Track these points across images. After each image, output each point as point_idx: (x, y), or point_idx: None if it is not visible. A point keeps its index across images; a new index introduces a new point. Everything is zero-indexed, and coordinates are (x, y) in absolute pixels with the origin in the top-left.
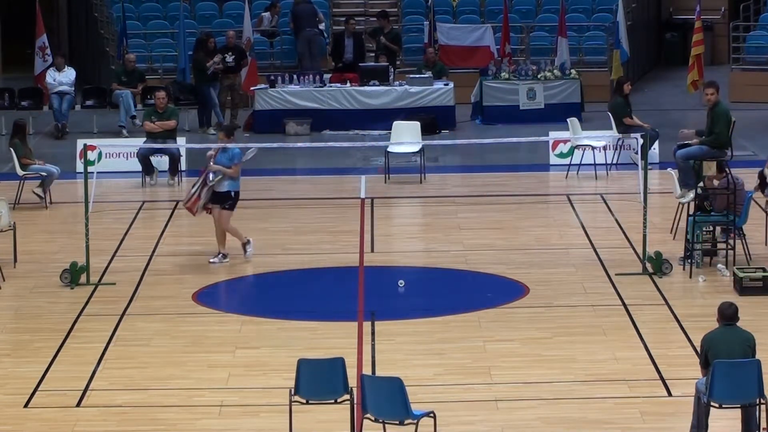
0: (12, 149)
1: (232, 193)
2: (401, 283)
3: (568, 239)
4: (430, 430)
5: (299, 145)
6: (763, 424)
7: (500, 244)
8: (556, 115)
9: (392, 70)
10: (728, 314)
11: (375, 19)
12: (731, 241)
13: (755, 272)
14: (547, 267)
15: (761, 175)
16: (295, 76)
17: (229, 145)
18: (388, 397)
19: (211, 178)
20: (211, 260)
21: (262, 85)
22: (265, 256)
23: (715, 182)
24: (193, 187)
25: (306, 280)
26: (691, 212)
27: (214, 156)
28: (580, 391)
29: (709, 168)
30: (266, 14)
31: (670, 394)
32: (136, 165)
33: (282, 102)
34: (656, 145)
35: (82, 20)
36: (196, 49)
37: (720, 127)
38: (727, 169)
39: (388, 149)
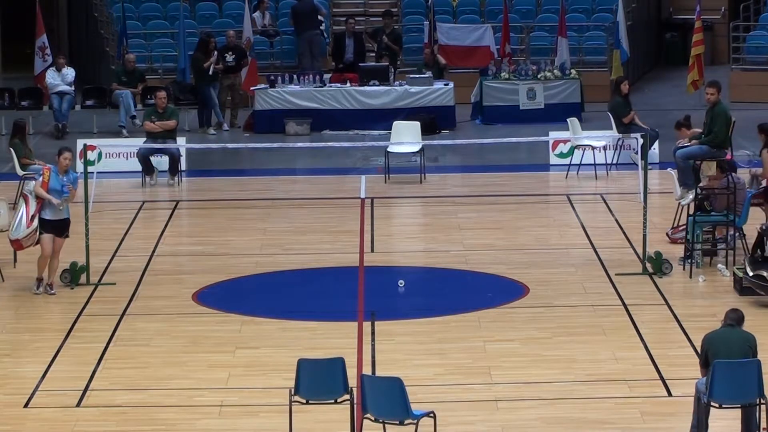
0: (12, 149)
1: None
2: (401, 283)
3: (568, 239)
4: (430, 430)
5: (299, 145)
6: (763, 424)
7: (500, 244)
8: (556, 115)
9: (392, 70)
10: (733, 318)
11: (377, 19)
12: (732, 241)
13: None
14: (547, 267)
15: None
16: (295, 76)
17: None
18: (388, 397)
19: (56, 203)
20: (38, 291)
21: (262, 85)
22: (265, 256)
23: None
24: (25, 218)
25: (306, 280)
26: (691, 212)
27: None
28: (580, 391)
29: (709, 168)
30: (256, 14)
31: (670, 394)
32: (136, 165)
33: (282, 102)
34: (656, 145)
35: (82, 20)
36: (196, 49)
37: (718, 126)
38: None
39: (388, 149)
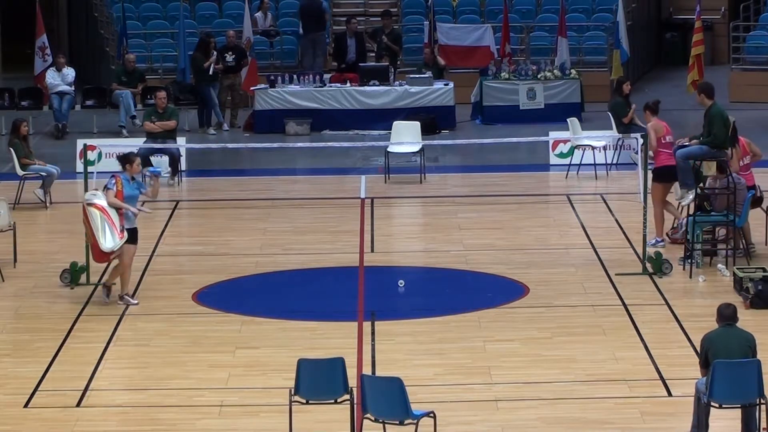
0: (12, 149)
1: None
2: (401, 283)
3: (568, 239)
4: (430, 430)
5: (299, 145)
6: (763, 424)
7: (500, 244)
8: (556, 115)
9: (392, 70)
10: (727, 314)
11: (377, 19)
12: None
13: (755, 272)
14: (547, 267)
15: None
16: (295, 76)
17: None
18: (388, 397)
19: (134, 212)
20: (108, 300)
21: (262, 85)
22: (265, 256)
23: (719, 181)
24: (117, 231)
25: (306, 280)
26: (691, 212)
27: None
28: (580, 391)
29: (709, 168)
30: (258, 14)
31: (670, 394)
32: None
33: (282, 102)
34: None
35: (82, 20)
36: (196, 49)
37: (717, 128)
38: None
39: (388, 149)
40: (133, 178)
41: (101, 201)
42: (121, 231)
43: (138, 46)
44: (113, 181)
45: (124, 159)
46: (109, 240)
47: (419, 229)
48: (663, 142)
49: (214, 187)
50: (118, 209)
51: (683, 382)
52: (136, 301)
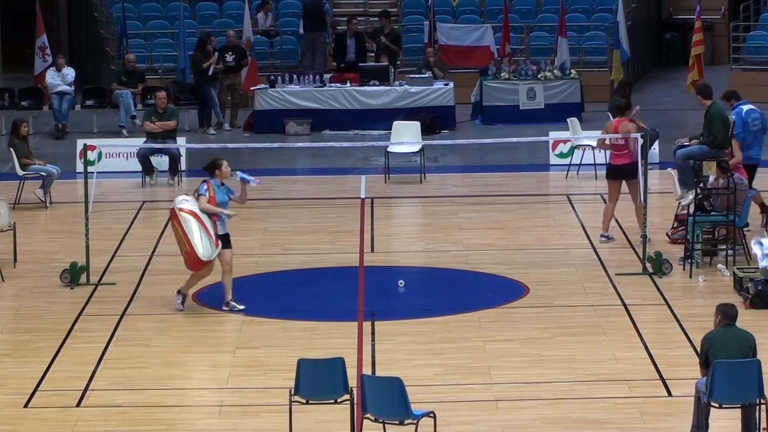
0: (12, 149)
1: None
2: (401, 283)
3: (568, 239)
4: (430, 430)
5: (299, 145)
6: (763, 424)
7: (500, 244)
8: (556, 115)
9: (392, 70)
10: (732, 314)
11: (376, 19)
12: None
13: (755, 272)
14: (547, 267)
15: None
16: (295, 76)
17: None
18: (388, 397)
19: (228, 216)
20: (182, 308)
21: (262, 85)
22: (265, 256)
23: (721, 181)
24: (213, 238)
25: (306, 280)
26: (691, 212)
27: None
28: (580, 391)
29: (709, 168)
30: (260, 14)
31: (670, 394)
32: (136, 165)
33: (282, 102)
34: (656, 145)
35: (82, 20)
36: (196, 50)
37: (716, 128)
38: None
39: (388, 149)
40: (222, 184)
41: (192, 206)
42: (216, 238)
43: (138, 46)
44: (205, 187)
45: (213, 165)
46: (207, 249)
47: (419, 229)
48: (613, 143)
49: None
50: (211, 215)
51: (683, 382)
52: (242, 306)
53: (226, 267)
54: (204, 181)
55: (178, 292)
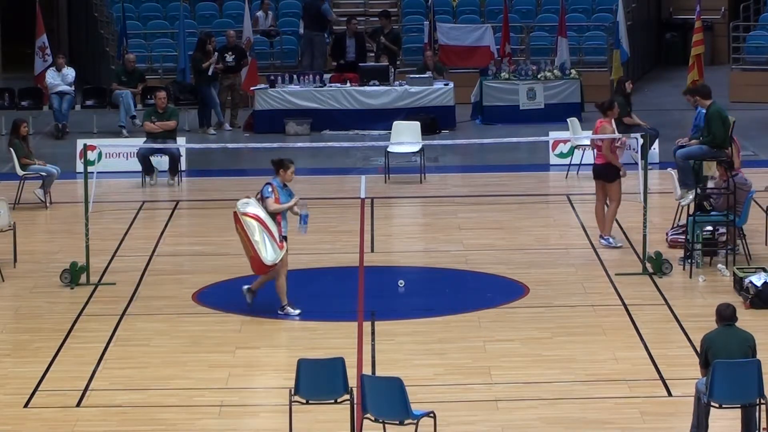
0: (12, 149)
1: None
2: (401, 283)
3: (568, 239)
4: (430, 430)
5: (299, 145)
6: (763, 424)
7: (500, 244)
8: (556, 115)
9: (392, 70)
10: (727, 315)
11: (376, 19)
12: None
13: (755, 272)
14: (547, 267)
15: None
16: (295, 76)
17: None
18: (388, 397)
19: (298, 209)
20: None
21: (262, 85)
22: None
23: (722, 181)
24: (276, 242)
25: (306, 280)
26: (691, 212)
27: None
28: (580, 391)
29: (709, 168)
30: (260, 14)
31: (670, 394)
32: (136, 165)
33: (282, 102)
34: (656, 145)
35: (82, 20)
36: (196, 50)
37: (715, 127)
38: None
39: (388, 149)
40: (284, 185)
41: (256, 210)
42: (281, 241)
43: (138, 46)
44: (270, 189)
45: (280, 164)
46: (271, 252)
47: (419, 229)
48: (595, 143)
49: (214, 187)
50: (275, 216)
51: (683, 382)
52: (298, 311)
53: (282, 269)
54: (267, 184)
55: (249, 290)
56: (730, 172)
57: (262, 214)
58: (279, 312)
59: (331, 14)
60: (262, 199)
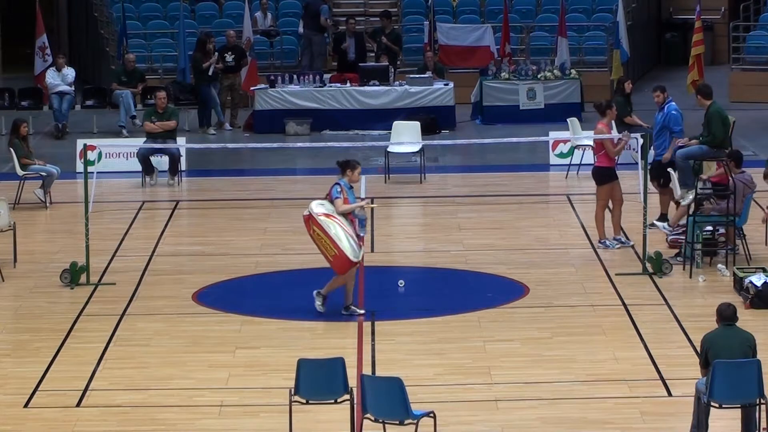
0: (12, 149)
1: None
2: (401, 283)
3: (568, 239)
4: (430, 430)
5: (299, 145)
6: (763, 424)
7: (500, 244)
8: (556, 115)
9: (392, 70)
10: (727, 314)
11: (376, 19)
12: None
13: (755, 272)
14: (547, 267)
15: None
16: (295, 76)
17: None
18: (388, 397)
19: (366, 208)
20: (347, 313)
21: (262, 85)
22: (265, 256)
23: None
24: (355, 240)
25: (306, 280)
26: (691, 212)
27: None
28: (580, 391)
29: (709, 168)
30: (258, 14)
31: (670, 394)
32: (136, 165)
33: (282, 102)
34: None
35: (82, 20)
36: (195, 50)
37: (715, 127)
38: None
39: (388, 149)
40: (351, 186)
41: (328, 210)
42: (359, 238)
43: (138, 46)
44: (338, 189)
45: (346, 164)
46: (354, 249)
47: (419, 229)
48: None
49: (214, 187)
50: (347, 216)
51: (683, 382)
52: (362, 311)
53: (351, 271)
54: (336, 184)
55: (319, 293)
56: (732, 172)
57: (336, 215)
58: (343, 312)
59: (326, 16)
60: (331, 200)
